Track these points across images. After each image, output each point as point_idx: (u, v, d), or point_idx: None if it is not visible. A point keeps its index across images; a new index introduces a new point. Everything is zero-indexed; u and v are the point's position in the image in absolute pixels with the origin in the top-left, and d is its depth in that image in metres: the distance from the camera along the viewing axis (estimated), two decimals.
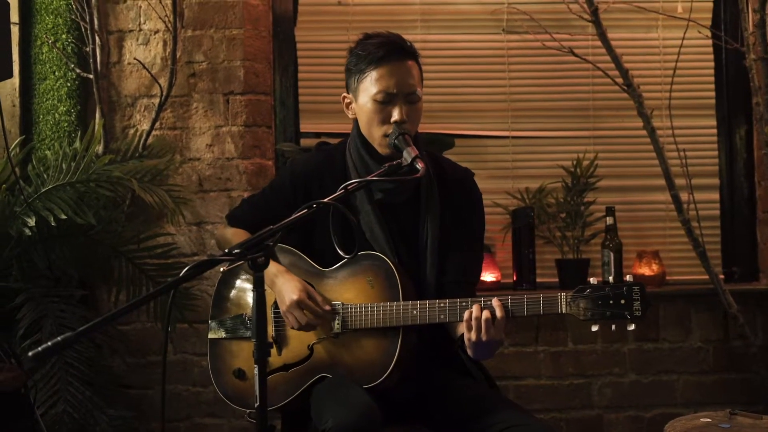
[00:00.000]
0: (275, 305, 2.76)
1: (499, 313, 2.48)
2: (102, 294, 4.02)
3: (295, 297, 2.65)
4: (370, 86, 2.68)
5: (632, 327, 2.42)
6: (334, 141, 3.00)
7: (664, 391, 4.21)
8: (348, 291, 2.68)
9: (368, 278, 2.65)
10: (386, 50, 2.68)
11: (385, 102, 2.66)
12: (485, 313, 2.46)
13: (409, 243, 2.77)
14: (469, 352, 2.54)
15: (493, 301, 2.50)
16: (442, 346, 2.75)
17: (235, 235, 2.88)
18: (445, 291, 2.71)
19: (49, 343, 1.78)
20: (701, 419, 3.06)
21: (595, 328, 2.46)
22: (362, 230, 2.72)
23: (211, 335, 2.89)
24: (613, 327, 2.44)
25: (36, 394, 3.36)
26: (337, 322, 2.66)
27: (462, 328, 2.51)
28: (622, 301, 2.41)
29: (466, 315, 2.48)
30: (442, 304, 2.55)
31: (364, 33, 2.78)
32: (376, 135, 2.70)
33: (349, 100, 2.80)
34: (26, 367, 3.35)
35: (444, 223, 2.77)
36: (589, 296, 2.44)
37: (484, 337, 2.46)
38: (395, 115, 2.65)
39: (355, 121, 2.81)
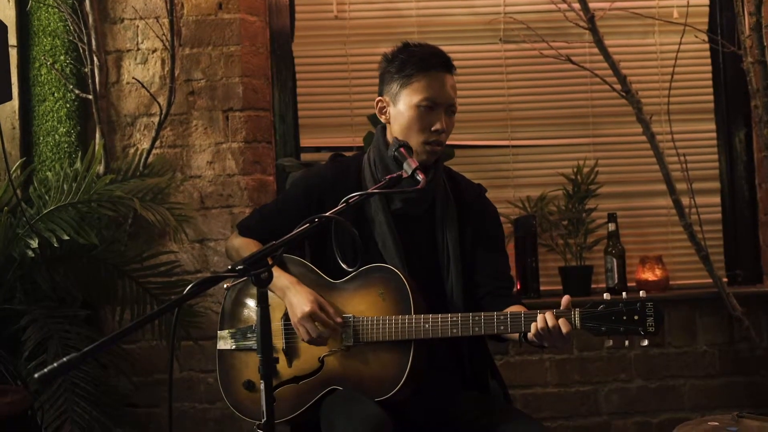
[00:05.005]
0: (286, 316, 2.73)
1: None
2: (106, 314, 4.02)
3: (307, 309, 2.62)
4: (414, 93, 2.68)
5: (645, 343, 2.44)
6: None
7: (671, 396, 4.20)
8: (359, 303, 2.66)
9: (379, 291, 2.63)
10: (436, 60, 2.71)
11: (428, 109, 2.68)
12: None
13: (422, 255, 2.76)
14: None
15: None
16: (455, 361, 2.75)
17: (246, 246, 2.86)
18: (483, 305, 2.71)
19: (55, 365, 1.76)
20: (709, 423, 3.07)
21: (609, 343, 2.46)
22: (366, 242, 2.71)
23: (220, 346, 2.85)
24: (627, 342, 2.45)
25: (43, 416, 3.35)
26: (348, 334, 2.64)
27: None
28: (636, 317, 2.42)
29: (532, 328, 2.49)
30: (454, 318, 2.54)
31: (404, 42, 2.79)
32: (414, 142, 2.68)
33: (384, 104, 2.78)
34: (32, 389, 3.34)
35: (463, 234, 2.77)
36: (602, 312, 2.44)
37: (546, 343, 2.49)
38: (437, 125, 2.67)
39: (381, 127, 2.82)
